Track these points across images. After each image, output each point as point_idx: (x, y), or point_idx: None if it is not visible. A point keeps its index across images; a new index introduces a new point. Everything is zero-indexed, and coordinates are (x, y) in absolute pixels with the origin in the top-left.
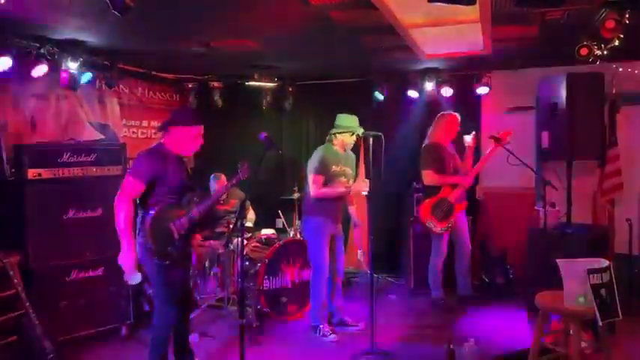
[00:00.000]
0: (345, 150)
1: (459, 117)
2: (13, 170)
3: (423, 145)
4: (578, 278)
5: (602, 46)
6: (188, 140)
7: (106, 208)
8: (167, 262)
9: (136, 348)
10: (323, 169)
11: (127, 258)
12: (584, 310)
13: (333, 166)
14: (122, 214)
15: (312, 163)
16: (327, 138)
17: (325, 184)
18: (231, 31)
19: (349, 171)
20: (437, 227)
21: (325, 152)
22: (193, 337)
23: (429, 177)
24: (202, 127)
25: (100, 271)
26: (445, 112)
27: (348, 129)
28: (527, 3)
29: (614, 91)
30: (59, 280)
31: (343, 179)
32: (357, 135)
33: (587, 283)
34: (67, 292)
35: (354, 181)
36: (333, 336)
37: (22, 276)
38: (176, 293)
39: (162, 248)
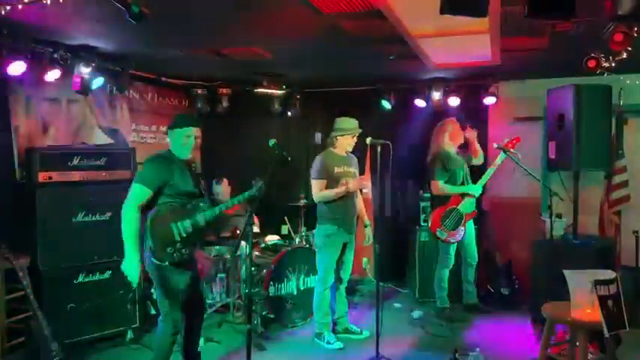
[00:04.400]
0: (346, 152)
1: (456, 121)
2: (24, 173)
3: (431, 155)
4: (585, 289)
5: (611, 58)
6: (180, 142)
7: (114, 212)
8: (166, 264)
9: (141, 352)
10: (324, 172)
11: (131, 266)
12: (591, 321)
13: (336, 168)
14: (129, 222)
15: (313, 169)
16: (328, 142)
17: (330, 187)
18: (242, 39)
19: (353, 171)
20: (447, 237)
21: (325, 156)
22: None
23: (437, 187)
24: (194, 128)
25: (107, 275)
26: (443, 120)
27: (348, 131)
28: (538, 15)
29: (621, 103)
30: (67, 282)
31: (349, 180)
32: (358, 137)
33: (595, 294)
34: (75, 295)
35: None
36: (337, 343)
37: (31, 278)
38: (180, 298)
39: (162, 248)
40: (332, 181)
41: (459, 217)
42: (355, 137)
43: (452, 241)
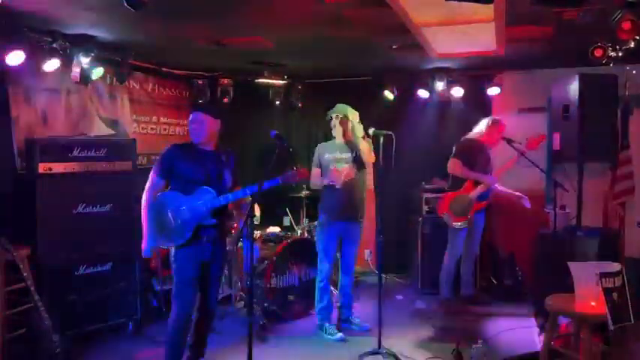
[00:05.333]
0: (348, 138)
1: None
2: (24, 164)
3: (468, 138)
4: (590, 282)
5: (617, 47)
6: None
7: (115, 204)
8: (166, 246)
9: (142, 343)
10: (316, 160)
11: (143, 244)
12: (596, 313)
13: (327, 154)
14: (143, 206)
15: None
16: None
17: (324, 174)
18: (243, 29)
19: (346, 157)
20: (452, 222)
21: (322, 144)
22: None
23: (454, 165)
24: (198, 113)
25: (108, 266)
26: (499, 119)
27: (327, 116)
28: (545, 2)
29: (627, 94)
30: (68, 274)
31: (339, 166)
32: (335, 116)
33: (599, 286)
34: (76, 287)
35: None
36: (339, 335)
37: (32, 270)
38: (188, 283)
39: (158, 231)
40: (323, 168)
41: (468, 204)
42: (337, 119)
43: (456, 226)
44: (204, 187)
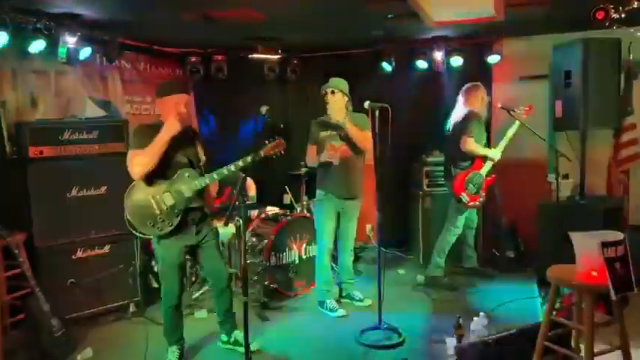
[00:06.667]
0: (342, 114)
1: None
2: (14, 148)
3: (466, 113)
4: (591, 251)
5: (621, 9)
6: (169, 111)
7: (110, 186)
8: (151, 237)
9: (143, 325)
10: (312, 138)
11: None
12: (598, 284)
13: (321, 132)
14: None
15: None
16: None
17: (319, 152)
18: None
19: (344, 134)
20: (470, 201)
21: (315, 121)
22: (201, 313)
23: (470, 144)
24: (182, 95)
25: (106, 249)
26: (475, 84)
27: (322, 91)
28: None
29: (631, 58)
30: (65, 258)
31: (335, 144)
32: (331, 91)
33: (601, 256)
34: (74, 270)
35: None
36: (340, 311)
37: (28, 254)
38: (173, 272)
39: (141, 222)
40: (319, 145)
41: (481, 181)
42: (334, 94)
43: (472, 205)
44: (185, 168)
